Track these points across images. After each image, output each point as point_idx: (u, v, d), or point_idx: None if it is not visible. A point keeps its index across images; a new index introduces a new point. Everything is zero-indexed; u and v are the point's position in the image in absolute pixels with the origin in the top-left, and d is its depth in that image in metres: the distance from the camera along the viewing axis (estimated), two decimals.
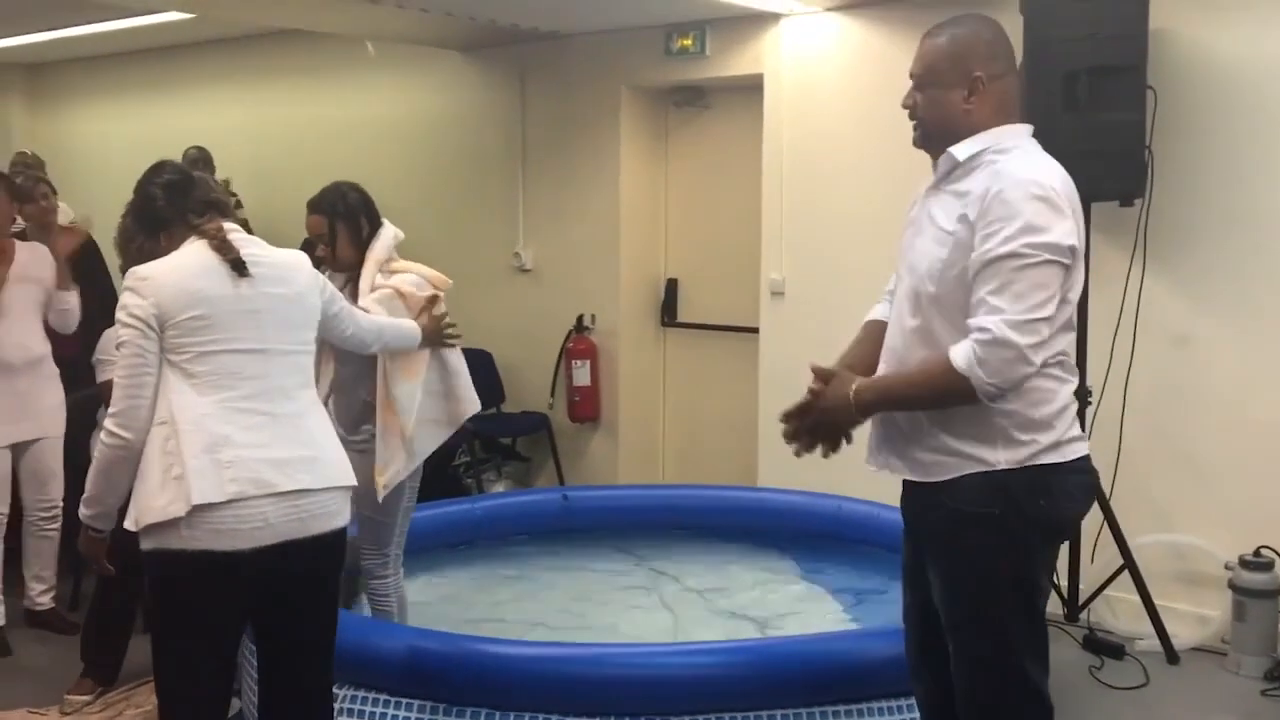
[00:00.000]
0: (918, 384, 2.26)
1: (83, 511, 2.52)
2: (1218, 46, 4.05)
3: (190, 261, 2.46)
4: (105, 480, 2.45)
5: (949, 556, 2.31)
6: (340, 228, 3.27)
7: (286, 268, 2.58)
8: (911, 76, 2.35)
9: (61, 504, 4.21)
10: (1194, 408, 4.19)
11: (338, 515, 2.52)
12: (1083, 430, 4.05)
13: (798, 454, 2.40)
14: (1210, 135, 4.08)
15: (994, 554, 2.25)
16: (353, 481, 2.59)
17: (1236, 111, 4.04)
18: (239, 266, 2.45)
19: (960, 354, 2.16)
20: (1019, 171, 2.19)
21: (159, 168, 2.62)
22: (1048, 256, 2.14)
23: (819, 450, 2.37)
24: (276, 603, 2.50)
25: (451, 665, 3.03)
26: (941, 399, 2.23)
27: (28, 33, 6.81)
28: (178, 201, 2.54)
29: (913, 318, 2.30)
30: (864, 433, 2.49)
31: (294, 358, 2.53)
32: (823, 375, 2.36)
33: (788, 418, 2.38)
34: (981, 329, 2.14)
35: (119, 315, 2.43)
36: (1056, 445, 2.26)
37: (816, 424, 2.33)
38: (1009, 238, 2.13)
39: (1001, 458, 2.23)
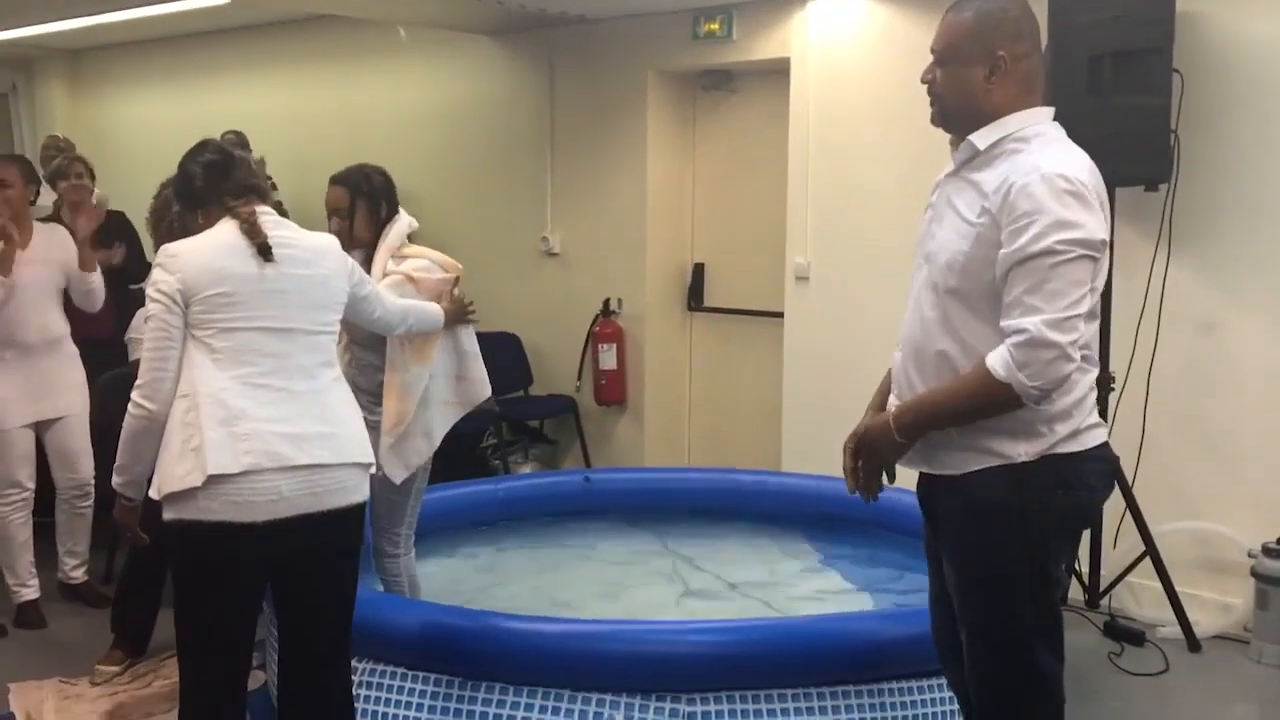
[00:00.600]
0: (957, 398, 2.20)
1: (115, 480, 2.62)
2: (1246, 30, 4.01)
3: (218, 240, 2.53)
4: (132, 450, 2.55)
5: (964, 546, 2.31)
6: (361, 205, 3.35)
7: (315, 250, 2.64)
8: (932, 52, 2.30)
9: (93, 480, 4.31)
10: (1218, 394, 4.16)
11: (355, 491, 2.58)
12: (1104, 417, 4.07)
13: (867, 500, 2.38)
14: (1237, 120, 4.04)
15: (1009, 545, 2.24)
16: (371, 459, 2.64)
17: (1265, 96, 4.00)
18: (264, 251, 2.51)
19: (998, 361, 2.11)
20: (1044, 164, 2.13)
21: (202, 147, 2.70)
22: (1081, 252, 2.10)
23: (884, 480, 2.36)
24: (294, 575, 2.56)
25: (469, 640, 3.07)
26: (984, 410, 2.17)
27: (68, 18, 6.91)
28: (216, 182, 2.61)
29: (932, 309, 2.27)
30: None
31: (316, 338, 2.59)
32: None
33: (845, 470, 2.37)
34: (1019, 330, 2.09)
35: (148, 290, 2.51)
36: (1075, 434, 2.23)
37: (866, 460, 2.31)
38: (1040, 235, 2.08)
39: (1021, 450, 2.21)
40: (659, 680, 2.99)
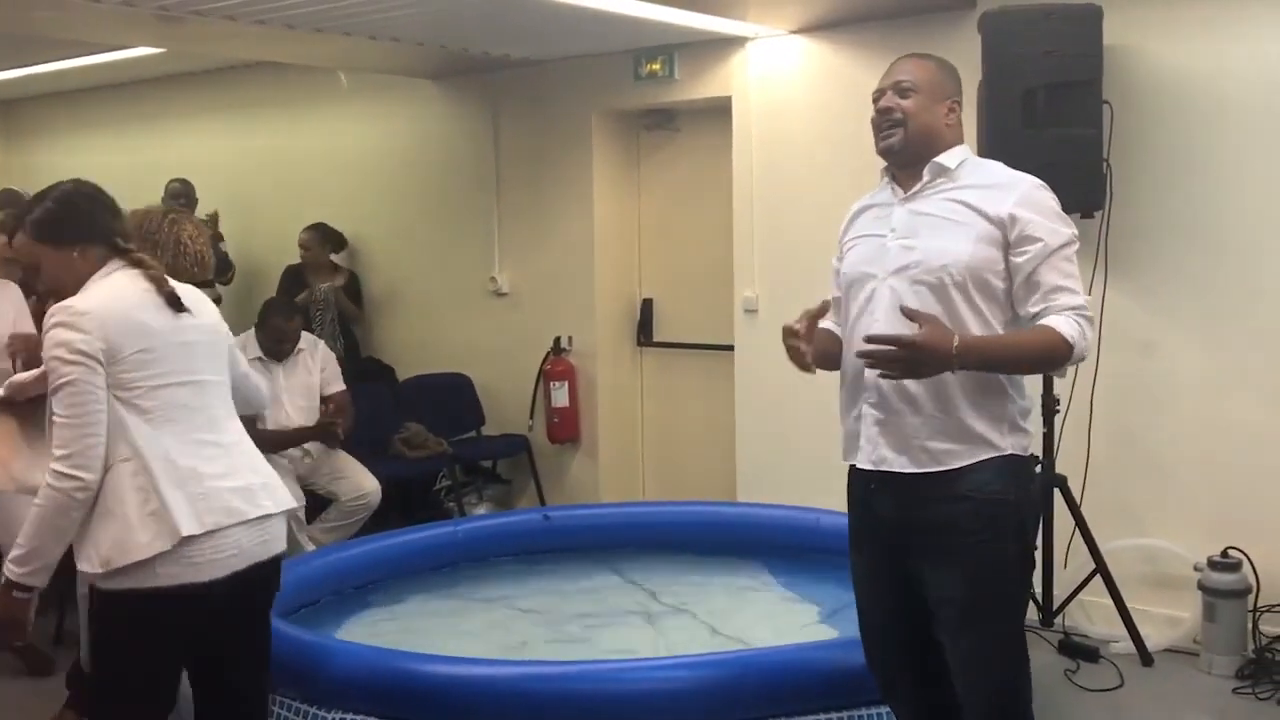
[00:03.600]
0: (1022, 350, 2.39)
1: (15, 570, 2.34)
2: (1170, 61, 4.16)
3: (127, 292, 2.42)
4: (53, 529, 2.31)
5: (966, 545, 2.39)
6: None
7: (199, 299, 2.60)
8: (898, 84, 2.50)
9: None
10: (1159, 413, 4.28)
11: (283, 537, 2.60)
12: (1051, 439, 4.18)
13: (876, 369, 2.34)
14: (1166, 147, 4.19)
15: (1009, 538, 2.42)
16: (294, 504, 2.64)
17: (1190, 123, 4.15)
18: (174, 302, 2.45)
19: (1069, 327, 2.33)
20: (1025, 177, 2.46)
21: (77, 181, 2.54)
22: (1077, 244, 2.44)
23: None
24: (230, 622, 2.50)
25: (438, 685, 3.07)
26: (1039, 365, 2.48)
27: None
28: (106, 219, 2.48)
29: (927, 306, 2.38)
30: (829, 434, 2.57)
31: (221, 388, 2.57)
32: (916, 315, 2.32)
33: (877, 339, 2.31)
34: (1079, 307, 2.36)
35: (56, 353, 2.31)
36: (1028, 434, 2.50)
37: (910, 359, 2.28)
38: (1056, 229, 2.39)
39: (1008, 442, 2.42)
40: (628, 717, 3.01)
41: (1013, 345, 2.41)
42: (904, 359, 2.28)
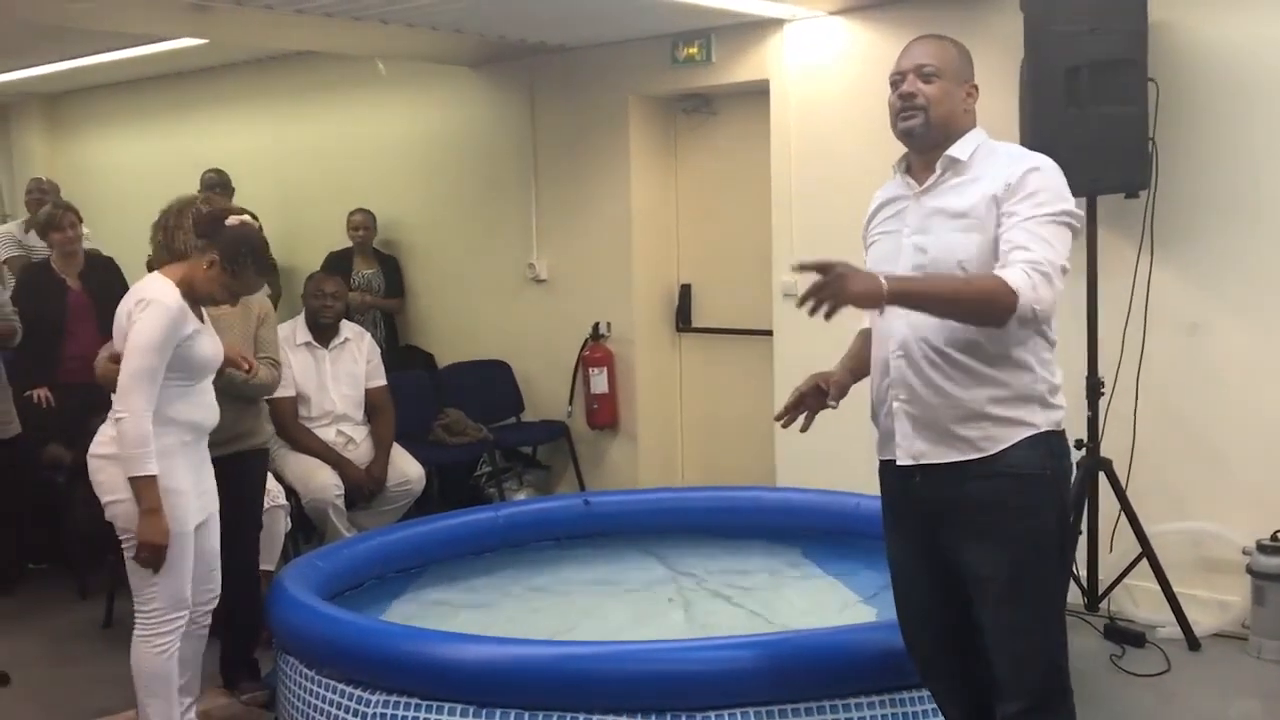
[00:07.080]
0: (958, 290, 2.31)
1: None
2: (1216, 37, 4.09)
3: None
4: None
5: (1006, 522, 2.39)
6: None
7: None
8: (920, 68, 2.46)
9: None
10: (1206, 395, 4.22)
11: None
12: (1096, 422, 4.13)
13: (799, 304, 2.25)
14: (1212, 125, 4.12)
15: (1047, 513, 2.41)
16: None
17: (1237, 101, 4.08)
18: None
19: (1016, 275, 2.26)
20: (1031, 154, 2.43)
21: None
22: (1067, 220, 2.36)
23: (823, 311, 2.21)
24: None
25: (481, 667, 3.09)
26: (978, 309, 2.29)
27: (43, 64, 6.92)
28: None
29: None
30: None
31: None
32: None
33: (805, 266, 2.21)
34: (1035, 261, 2.26)
35: None
36: (1061, 409, 2.46)
37: (833, 285, 2.17)
38: (1039, 205, 2.32)
39: (1041, 419, 2.40)
40: (669, 698, 3.01)
41: (948, 280, 2.34)
42: (833, 278, 2.17)
